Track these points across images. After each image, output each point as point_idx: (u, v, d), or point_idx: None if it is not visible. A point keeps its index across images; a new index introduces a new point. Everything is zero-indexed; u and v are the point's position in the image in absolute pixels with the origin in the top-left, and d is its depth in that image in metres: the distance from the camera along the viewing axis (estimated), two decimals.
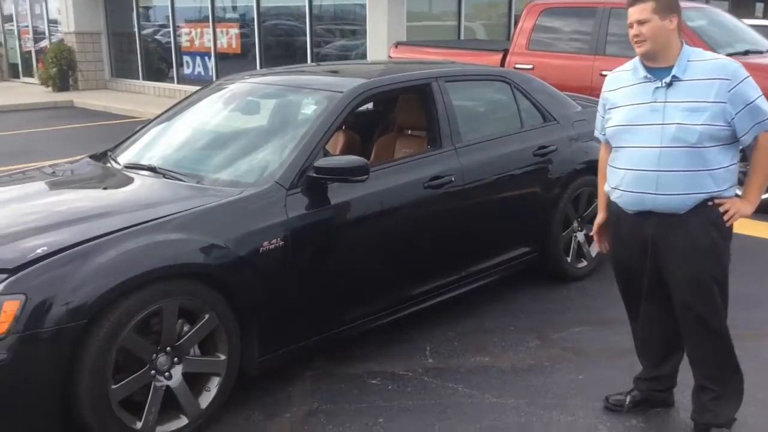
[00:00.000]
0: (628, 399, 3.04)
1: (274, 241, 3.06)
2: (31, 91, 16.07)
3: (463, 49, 8.42)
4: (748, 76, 2.58)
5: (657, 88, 2.62)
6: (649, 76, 2.65)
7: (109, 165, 3.75)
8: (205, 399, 2.94)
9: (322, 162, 3.24)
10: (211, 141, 3.86)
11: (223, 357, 2.96)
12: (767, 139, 2.61)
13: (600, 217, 3.05)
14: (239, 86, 4.21)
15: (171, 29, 15.01)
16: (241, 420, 3.03)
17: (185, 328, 2.87)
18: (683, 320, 2.77)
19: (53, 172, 3.80)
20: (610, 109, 2.79)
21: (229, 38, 14.02)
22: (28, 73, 18.14)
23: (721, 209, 2.64)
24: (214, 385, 2.96)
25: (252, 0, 13.25)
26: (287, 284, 3.14)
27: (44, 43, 17.33)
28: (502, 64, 7.63)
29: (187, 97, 4.38)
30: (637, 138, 2.65)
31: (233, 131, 3.92)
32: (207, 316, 2.88)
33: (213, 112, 4.11)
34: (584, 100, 5.36)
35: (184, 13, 14.86)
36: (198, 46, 14.61)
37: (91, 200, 3.34)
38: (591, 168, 4.45)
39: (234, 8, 13.93)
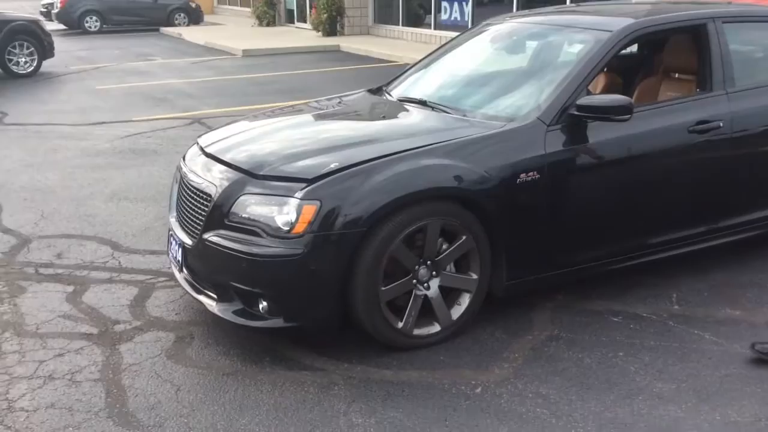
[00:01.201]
0: None
1: (531, 173, 3.23)
2: (303, 36, 17.67)
3: None
4: None
5: None
6: None
7: (385, 98, 4.17)
8: (456, 312, 3.26)
9: (584, 100, 3.31)
10: (476, 78, 4.10)
11: (475, 276, 3.24)
12: None
13: None
14: (505, 26, 4.37)
15: None
16: (486, 335, 3.31)
17: (444, 246, 3.19)
18: None
19: (339, 102, 4.31)
20: None
21: None
22: (302, 18, 19.90)
23: None
24: (465, 300, 3.26)
25: None
26: (539, 216, 3.31)
27: None
28: None
29: (453, 38, 4.65)
30: None
31: (498, 69, 4.11)
32: (464, 237, 3.16)
33: (479, 51, 4.34)
34: None
35: None
36: None
37: (372, 126, 3.77)
38: None
39: None
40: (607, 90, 4.38)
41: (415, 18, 16.40)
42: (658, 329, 3.31)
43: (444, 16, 15.38)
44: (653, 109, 3.62)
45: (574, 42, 3.75)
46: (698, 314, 3.44)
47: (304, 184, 3.00)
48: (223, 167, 3.30)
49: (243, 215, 3.06)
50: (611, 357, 3.09)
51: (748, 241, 3.95)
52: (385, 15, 17.38)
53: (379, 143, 3.30)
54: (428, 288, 3.18)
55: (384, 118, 3.88)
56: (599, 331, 3.31)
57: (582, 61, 3.48)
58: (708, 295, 3.63)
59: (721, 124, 3.58)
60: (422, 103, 3.84)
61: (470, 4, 14.49)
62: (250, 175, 3.15)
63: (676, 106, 3.66)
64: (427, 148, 3.20)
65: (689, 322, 3.36)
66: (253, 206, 3.06)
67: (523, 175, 3.23)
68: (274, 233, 2.98)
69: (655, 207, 3.61)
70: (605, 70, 4.46)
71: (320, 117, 4.03)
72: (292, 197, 2.97)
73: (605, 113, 3.25)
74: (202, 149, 3.57)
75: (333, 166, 3.07)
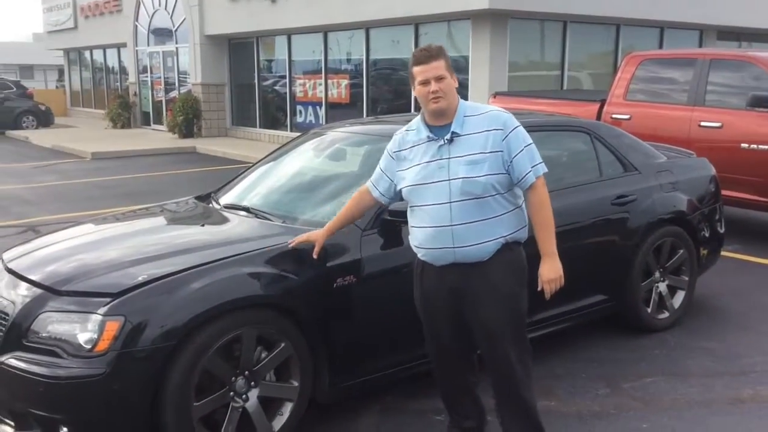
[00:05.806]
0: None
1: (348, 277, 3.30)
2: (158, 138, 17.46)
3: (560, 99, 8.48)
4: (518, 125, 2.75)
5: (441, 146, 2.74)
6: (431, 135, 2.77)
7: (210, 205, 4.15)
8: (278, 422, 3.18)
9: (395, 205, 3.44)
10: (299, 185, 4.19)
11: (296, 384, 3.20)
12: (540, 186, 2.76)
13: (319, 236, 3.15)
14: (329, 135, 4.54)
15: (287, 80, 15.99)
16: None
17: (263, 355, 3.14)
18: (488, 361, 2.87)
19: (161, 210, 4.24)
20: (399, 171, 2.91)
21: (339, 89, 14.75)
22: (158, 120, 19.71)
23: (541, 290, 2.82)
24: (287, 409, 3.20)
25: (362, 53, 13.94)
26: (359, 319, 3.35)
27: (174, 94, 18.82)
28: (599, 114, 7.64)
29: (284, 145, 4.77)
30: (429, 196, 2.77)
31: (320, 176, 4.23)
32: (283, 345, 3.13)
33: (304, 158, 4.46)
34: (676, 151, 5.33)
35: (300, 66, 15.80)
36: (311, 97, 15.46)
37: (189, 236, 3.71)
38: (675, 219, 4.46)
39: (348, 60, 14.65)
40: None
41: (273, 120, 16.72)
42: None
43: (300, 119, 15.81)
44: None
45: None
46: None
47: (108, 299, 2.89)
48: (24, 284, 3.12)
49: (43, 334, 2.89)
50: None
51: (568, 331, 4.18)
52: (243, 117, 17.60)
53: (194, 253, 3.25)
54: (247, 400, 3.09)
55: (205, 225, 3.85)
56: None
57: None
58: None
59: None
60: (246, 209, 3.86)
61: (324, 107, 15.01)
62: (52, 292, 3.00)
63: None
64: (242, 256, 3.19)
65: None
66: (54, 324, 2.90)
67: (339, 280, 3.28)
68: (76, 352, 2.82)
69: None
70: None
71: (138, 227, 3.93)
72: (95, 313, 2.85)
73: None
74: (5, 265, 3.37)
75: (140, 278, 2.98)
